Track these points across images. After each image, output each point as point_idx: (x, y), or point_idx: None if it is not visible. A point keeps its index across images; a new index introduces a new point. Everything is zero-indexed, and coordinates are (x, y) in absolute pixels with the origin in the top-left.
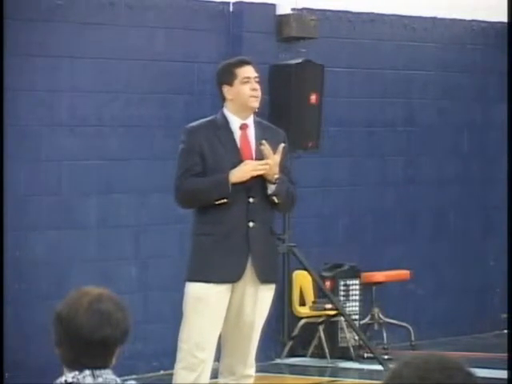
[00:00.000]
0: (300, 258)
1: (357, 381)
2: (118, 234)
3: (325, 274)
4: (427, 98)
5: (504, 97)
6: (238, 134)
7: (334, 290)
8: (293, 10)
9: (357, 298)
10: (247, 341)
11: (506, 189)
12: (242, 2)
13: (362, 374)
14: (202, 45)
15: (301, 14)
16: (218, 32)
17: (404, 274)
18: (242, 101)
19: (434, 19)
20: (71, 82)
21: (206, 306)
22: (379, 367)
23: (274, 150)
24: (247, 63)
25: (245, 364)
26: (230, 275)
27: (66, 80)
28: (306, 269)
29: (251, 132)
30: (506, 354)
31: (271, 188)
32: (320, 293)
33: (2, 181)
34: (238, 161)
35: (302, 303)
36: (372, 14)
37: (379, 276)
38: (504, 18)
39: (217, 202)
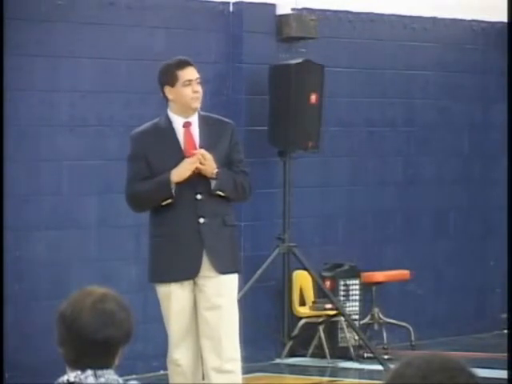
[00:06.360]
0: (300, 258)
1: (357, 381)
2: (118, 234)
3: (325, 273)
4: (427, 97)
5: (504, 97)
6: (181, 132)
7: (334, 289)
8: (293, 10)
9: (357, 297)
10: (217, 332)
11: (506, 189)
12: (241, 2)
13: (361, 373)
14: (202, 45)
15: (301, 14)
16: (218, 32)
17: (404, 274)
18: (184, 102)
19: (434, 19)
20: (71, 82)
21: (174, 305)
22: (379, 367)
23: (220, 143)
24: (188, 64)
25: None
26: (185, 273)
27: (66, 80)
28: (306, 269)
29: (195, 129)
30: (505, 354)
31: (213, 183)
32: (320, 293)
33: (2, 181)
34: (181, 159)
35: (302, 303)
36: (372, 13)
37: (379, 276)
38: (504, 18)
39: (163, 203)
